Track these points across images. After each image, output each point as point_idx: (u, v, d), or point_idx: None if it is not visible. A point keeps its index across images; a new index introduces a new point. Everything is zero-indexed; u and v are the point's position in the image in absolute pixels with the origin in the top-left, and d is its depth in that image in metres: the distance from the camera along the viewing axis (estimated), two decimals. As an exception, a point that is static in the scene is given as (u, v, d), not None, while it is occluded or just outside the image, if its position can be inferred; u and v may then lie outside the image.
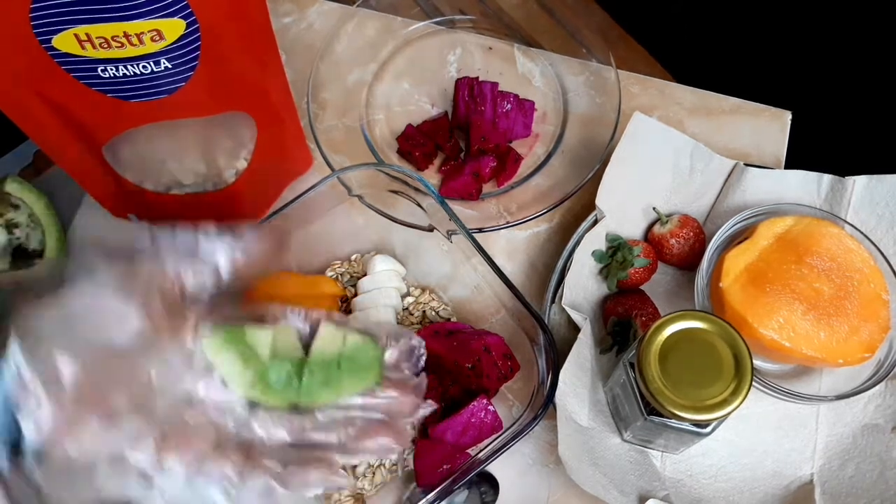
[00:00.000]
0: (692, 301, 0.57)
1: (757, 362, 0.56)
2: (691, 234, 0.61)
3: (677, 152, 0.64)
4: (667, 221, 0.62)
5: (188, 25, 0.46)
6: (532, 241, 0.67)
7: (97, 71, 0.47)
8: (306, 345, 0.44)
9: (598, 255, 0.61)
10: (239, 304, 0.43)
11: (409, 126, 0.72)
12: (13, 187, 0.64)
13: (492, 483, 0.57)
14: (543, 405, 0.51)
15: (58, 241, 0.65)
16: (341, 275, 0.63)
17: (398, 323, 0.61)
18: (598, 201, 0.61)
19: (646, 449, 0.57)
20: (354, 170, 0.58)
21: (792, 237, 0.56)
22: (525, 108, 0.71)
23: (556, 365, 0.52)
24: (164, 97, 0.50)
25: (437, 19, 0.79)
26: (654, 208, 0.63)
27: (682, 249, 0.61)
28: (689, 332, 0.47)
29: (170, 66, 0.48)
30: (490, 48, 0.77)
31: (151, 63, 0.47)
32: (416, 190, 0.58)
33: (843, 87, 1.24)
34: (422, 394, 0.43)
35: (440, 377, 0.56)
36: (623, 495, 0.52)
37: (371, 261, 0.62)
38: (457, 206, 0.68)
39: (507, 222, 0.66)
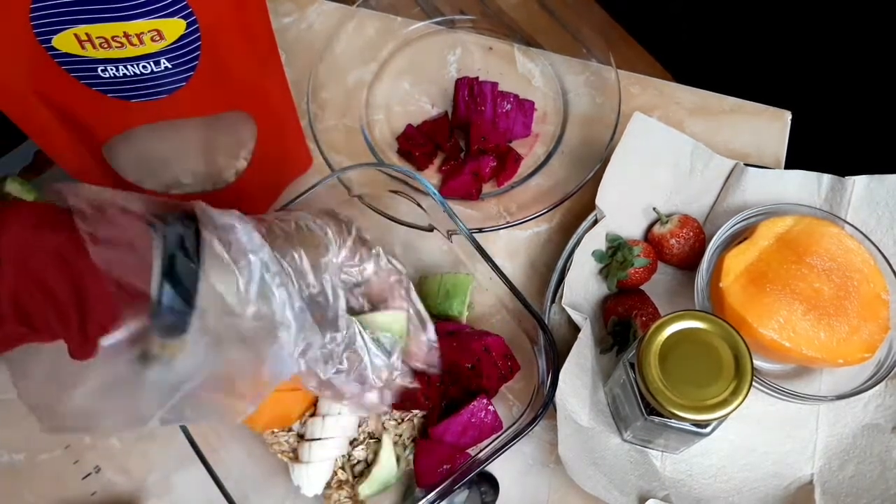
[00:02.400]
0: (692, 301, 0.57)
1: (757, 362, 0.56)
2: (691, 234, 0.61)
3: (677, 152, 0.64)
4: (667, 221, 0.62)
5: (188, 25, 0.46)
6: (532, 241, 0.67)
7: (97, 71, 0.47)
8: None
9: (598, 255, 0.61)
10: None
11: (409, 126, 0.72)
12: (13, 187, 0.64)
13: (492, 483, 0.57)
14: (543, 405, 0.51)
15: (58, 241, 0.64)
16: None
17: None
18: (598, 201, 0.61)
19: (646, 449, 0.57)
20: (354, 170, 0.58)
21: (792, 237, 0.56)
22: (525, 108, 0.71)
23: (556, 365, 0.52)
24: (164, 97, 0.50)
25: (437, 19, 0.79)
26: (654, 208, 0.63)
27: (682, 249, 0.61)
28: (690, 332, 0.47)
29: (170, 66, 0.48)
30: (490, 48, 0.77)
31: (151, 63, 0.47)
32: (416, 190, 0.58)
33: (843, 87, 1.24)
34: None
35: (440, 377, 0.56)
36: (623, 495, 0.52)
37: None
38: (457, 206, 0.68)
39: (507, 222, 0.66)
